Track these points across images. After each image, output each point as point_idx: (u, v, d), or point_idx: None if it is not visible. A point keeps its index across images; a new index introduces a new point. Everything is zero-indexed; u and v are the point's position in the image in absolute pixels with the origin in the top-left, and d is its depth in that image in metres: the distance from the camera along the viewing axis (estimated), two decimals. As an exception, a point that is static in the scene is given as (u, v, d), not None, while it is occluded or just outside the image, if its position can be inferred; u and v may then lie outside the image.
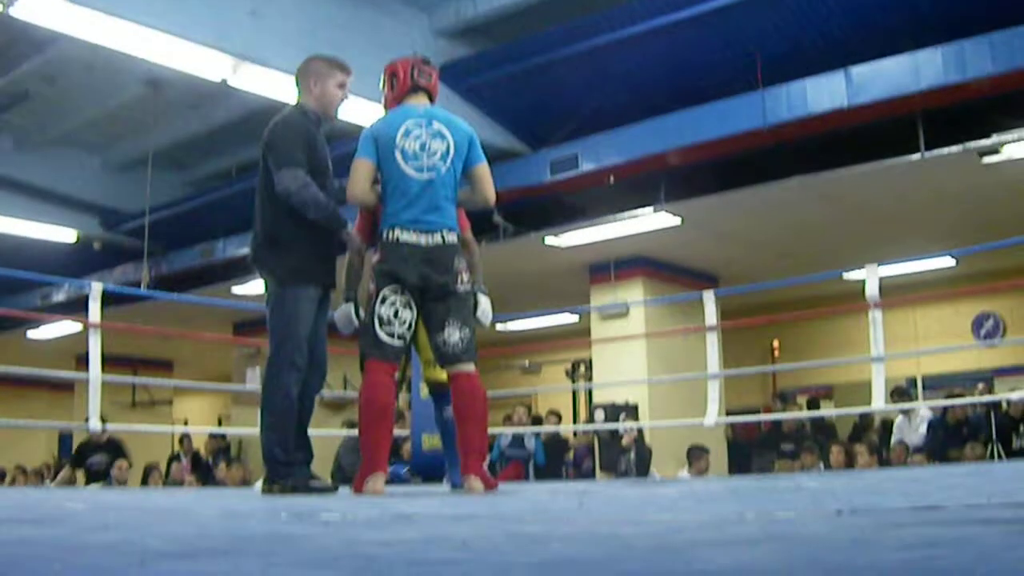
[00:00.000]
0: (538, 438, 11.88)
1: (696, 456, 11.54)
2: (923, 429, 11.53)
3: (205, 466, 15.59)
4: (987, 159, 9.89)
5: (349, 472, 9.42)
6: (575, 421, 17.11)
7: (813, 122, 9.82)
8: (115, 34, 8.40)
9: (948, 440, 11.37)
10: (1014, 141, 9.43)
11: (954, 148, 9.64)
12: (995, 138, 9.47)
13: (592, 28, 10.22)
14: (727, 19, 9.86)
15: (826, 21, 9.74)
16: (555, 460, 12.43)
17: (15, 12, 7.84)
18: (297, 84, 5.43)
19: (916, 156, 9.76)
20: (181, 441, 15.85)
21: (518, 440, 11.59)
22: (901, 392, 12.05)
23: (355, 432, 9.70)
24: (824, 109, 9.66)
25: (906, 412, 11.58)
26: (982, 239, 9.50)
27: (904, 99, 9.34)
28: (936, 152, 9.69)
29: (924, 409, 11.75)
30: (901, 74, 9.29)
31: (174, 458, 15.67)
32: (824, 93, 9.65)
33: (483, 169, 5.07)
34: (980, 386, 12.91)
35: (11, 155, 13.58)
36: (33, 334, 17.73)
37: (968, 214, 11.98)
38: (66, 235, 14.56)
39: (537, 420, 13.27)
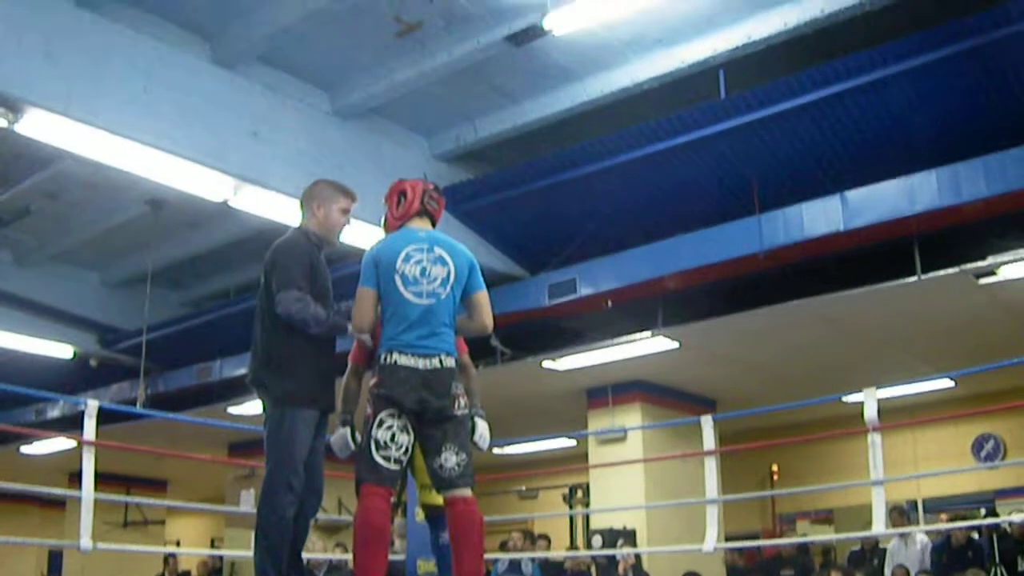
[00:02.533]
0: (535, 563, 11.73)
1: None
2: (922, 552, 11.41)
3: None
4: (983, 280, 9.93)
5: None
6: (573, 547, 16.90)
7: (810, 246, 9.87)
8: (117, 153, 8.50)
9: (951, 564, 11.22)
10: (1010, 262, 9.48)
11: (950, 270, 9.69)
12: (991, 260, 9.51)
13: (589, 154, 10.33)
14: (722, 145, 9.97)
15: (821, 146, 9.85)
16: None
17: (20, 128, 7.93)
18: (301, 206, 5.46)
19: (913, 279, 9.80)
20: (166, 561, 15.66)
21: (515, 565, 11.44)
22: (901, 511, 11.95)
23: (344, 556, 9.57)
24: (820, 233, 9.71)
25: (902, 536, 11.47)
26: (980, 360, 9.49)
27: (900, 222, 9.41)
28: (933, 275, 9.73)
29: (920, 534, 11.62)
30: (896, 197, 9.37)
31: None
32: (820, 217, 9.71)
33: (482, 296, 5.07)
34: (983, 510, 12.81)
35: (11, 270, 13.61)
36: (27, 449, 17.59)
37: (966, 335, 11.98)
38: (63, 351, 14.53)
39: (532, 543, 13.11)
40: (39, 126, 7.99)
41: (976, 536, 11.72)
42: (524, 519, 18.00)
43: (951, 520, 12.30)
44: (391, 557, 5.47)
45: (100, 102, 8.12)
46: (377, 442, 4.78)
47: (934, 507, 15.38)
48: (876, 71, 8.85)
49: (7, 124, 7.82)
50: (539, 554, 12.21)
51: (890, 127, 9.53)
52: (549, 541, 13.31)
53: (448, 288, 4.92)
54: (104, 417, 7.89)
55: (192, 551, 21.38)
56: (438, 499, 5.18)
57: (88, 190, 11.31)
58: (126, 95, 8.32)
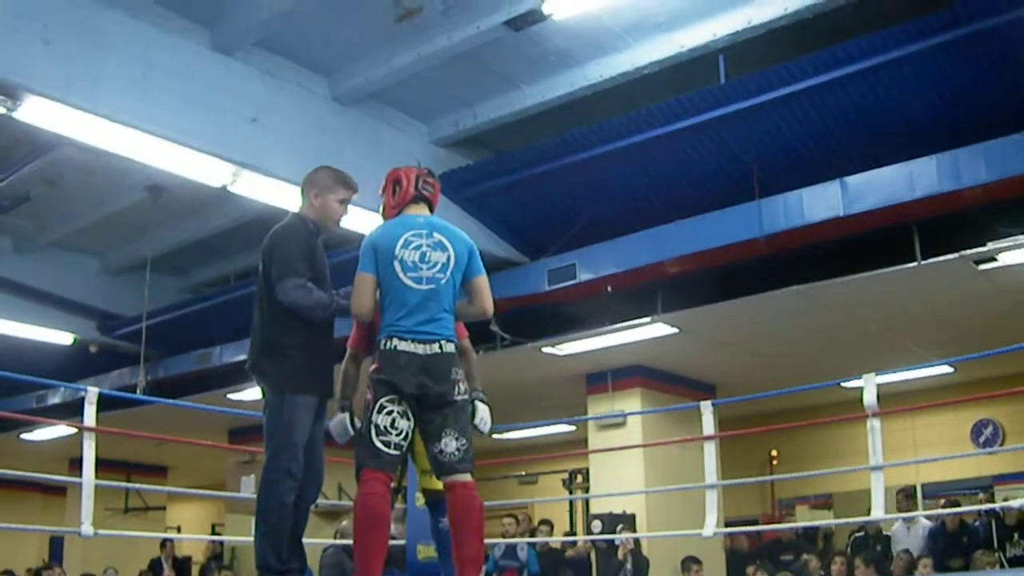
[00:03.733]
0: (531, 547, 11.74)
1: (688, 567, 11.48)
2: (924, 537, 11.44)
3: (202, 573, 15.44)
4: (983, 266, 9.93)
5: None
6: (572, 532, 16.92)
7: (810, 231, 9.87)
8: (117, 139, 8.49)
9: (948, 549, 11.25)
10: (1010, 248, 9.47)
11: (950, 256, 9.68)
12: (991, 246, 9.50)
13: (589, 139, 10.32)
14: (723, 130, 9.97)
15: (821, 131, 9.84)
16: (552, 571, 12.29)
17: (19, 115, 7.92)
18: (302, 192, 5.46)
19: (912, 265, 9.80)
20: (163, 546, 15.68)
21: (511, 550, 11.45)
22: (907, 495, 11.98)
23: (341, 543, 9.60)
24: (820, 218, 9.71)
25: (905, 520, 11.48)
26: (980, 347, 9.47)
27: (900, 208, 9.40)
28: (932, 260, 9.73)
29: (923, 518, 11.65)
30: (896, 183, 9.36)
31: (156, 564, 15.51)
32: (820, 202, 9.71)
33: (482, 281, 5.08)
34: (981, 496, 12.83)
35: (10, 257, 13.61)
36: (27, 436, 17.61)
37: (965, 322, 11.98)
38: (63, 338, 14.56)
39: (533, 531, 13.14)
40: (38, 112, 7.98)
41: (971, 521, 11.76)
42: (524, 504, 18.03)
43: (947, 505, 12.32)
44: (391, 542, 5.48)
45: (99, 88, 8.10)
46: (377, 427, 4.78)
47: (933, 492, 15.40)
48: (876, 56, 8.83)
49: (6, 111, 7.82)
50: (540, 539, 12.25)
51: (890, 112, 9.52)
52: (552, 526, 13.35)
53: (448, 273, 4.92)
54: (104, 403, 7.90)
55: (193, 537, 21.41)
56: (438, 484, 5.18)
57: (87, 176, 11.30)
58: (125, 81, 8.30)
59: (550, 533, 13.08)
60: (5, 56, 7.58)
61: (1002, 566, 11.02)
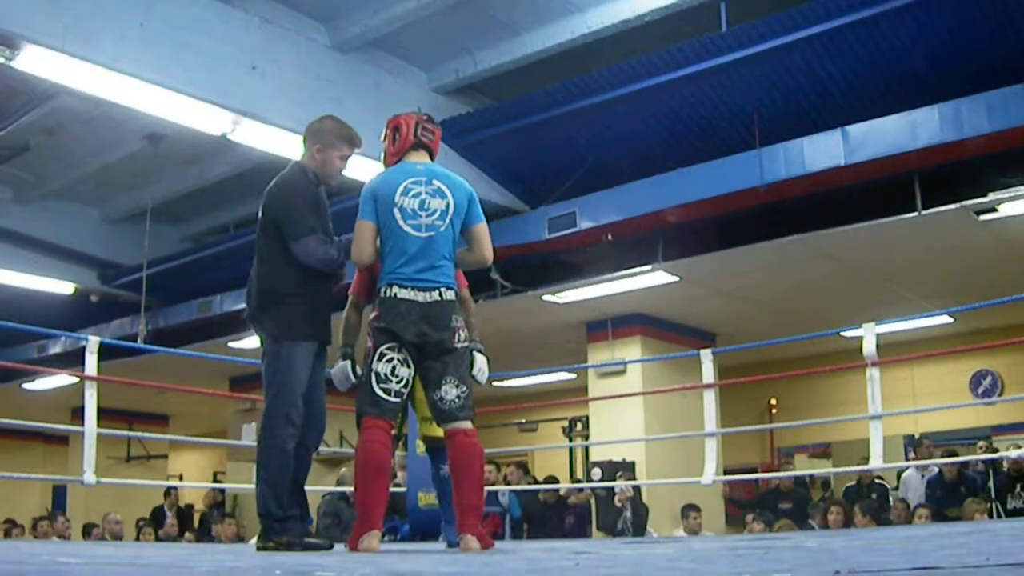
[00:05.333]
0: (512, 493, 11.82)
1: (687, 515, 11.58)
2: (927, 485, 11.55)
3: (203, 520, 15.53)
4: (984, 217, 9.92)
5: (325, 535, 9.32)
6: (572, 479, 17.02)
7: (810, 180, 9.84)
8: (116, 88, 8.44)
9: (946, 498, 11.32)
10: (1010, 199, 9.46)
11: (951, 206, 9.67)
12: (992, 196, 9.49)
13: (590, 87, 10.27)
14: (724, 78, 9.91)
15: (823, 80, 9.79)
16: (552, 517, 12.40)
17: (17, 64, 7.89)
18: (304, 141, 5.46)
19: (913, 214, 9.79)
20: (167, 494, 15.77)
21: (492, 496, 11.53)
22: (920, 444, 12.05)
23: (339, 490, 9.63)
24: (821, 167, 9.68)
25: (920, 468, 11.55)
26: (979, 297, 9.50)
27: (901, 157, 9.37)
28: (933, 210, 9.71)
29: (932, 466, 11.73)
30: (898, 133, 9.33)
31: (159, 511, 15.60)
32: (821, 151, 9.68)
33: (482, 229, 5.09)
34: (981, 444, 12.89)
35: (10, 207, 13.58)
36: (29, 386, 17.67)
37: (965, 272, 11.99)
38: (63, 287, 14.55)
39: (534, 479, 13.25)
40: (36, 62, 7.94)
41: (969, 471, 11.82)
42: (524, 451, 18.12)
43: (945, 455, 12.38)
44: (392, 489, 5.51)
45: (97, 37, 8.06)
46: (378, 375, 4.81)
47: (931, 442, 15.48)
48: (879, 5, 8.77)
49: (4, 60, 7.77)
50: (537, 487, 12.34)
51: (892, 62, 9.46)
52: (526, 470, 13.56)
53: (447, 221, 4.92)
54: (105, 353, 7.93)
55: (195, 484, 21.51)
56: (439, 432, 5.22)
57: (86, 125, 11.26)
58: (123, 30, 8.25)
59: (523, 478, 13.26)
60: (2, 5, 7.53)
61: (1000, 516, 11.09)
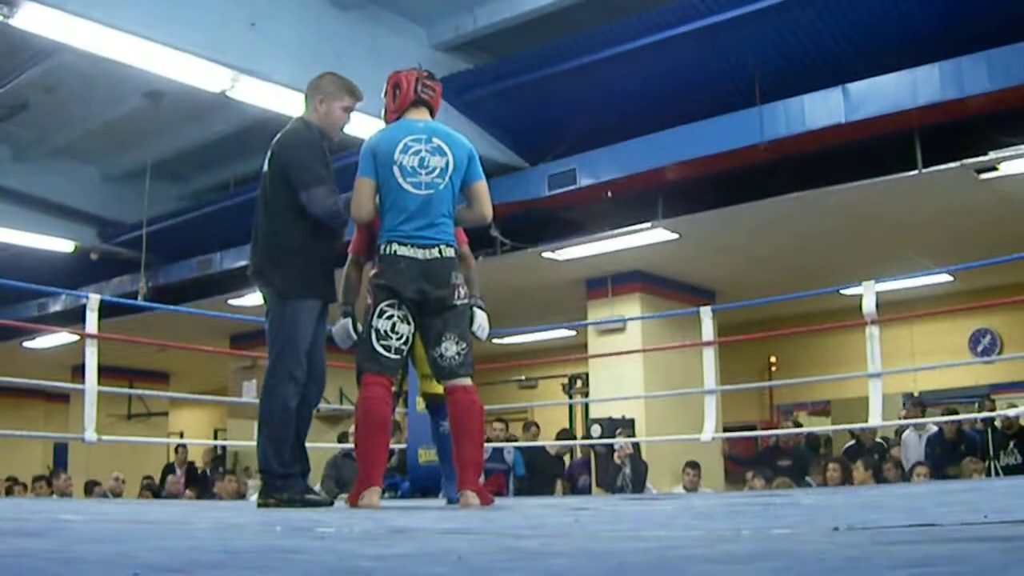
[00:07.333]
0: (517, 450, 11.86)
1: (686, 471, 11.63)
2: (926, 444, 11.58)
3: (202, 478, 15.59)
4: (984, 176, 9.90)
5: (328, 493, 9.35)
6: (572, 436, 17.08)
7: (810, 138, 9.82)
8: (115, 45, 8.40)
9: (945, 456, 11.36)
10: (1011, 158, 9.45)
11: (951, 165, 9.66)
12: (992, 155, 9.47)
13: (590, 44, 10.22)
14: (725, 35, 9.87)
15: (824, 38, 9.75)
16: (549, 474, 12.43)
17: (15, 22, 7.85)
18: (306, 97, 5.46)
19: (913, 173, 9.77)
20: (176, 451, 15.84)
21: (497, 453, 11.58)
22: (916, 402, 12.09)
23: (344, 446, 9.66)
24: (821, 125, 9.65)
25: (918, 427, 11.58)
26: (979, 256, 9.51)
27: (901, 115, 9.34)
28: (933, 169, 9.70)
29: (931, 425, 11.75)
30: (898, 91, 9.30)
31: (168, 469, 15.68)
32: (822, 109, 9.65)
33: (481, 186, 5.09)
34: (986, 402, 12.92)
35: (9, 165, 13.56)
36: (29, 344, 17.71)
37: (965, 231, 11.98)
38: (64, 246, 14.54)
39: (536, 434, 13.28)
40: (34, 19, 7.89)
41: (968, 429, 11.85)
42: (524, 408, 18.18)
43: (945, 414, 12.41)
44: (392, 445, 5.53)
45: (95, -7, 8.02)
46: (378, 332, 4.82)
47: (930, 400, 15.51)
48: (881, -40, 8.74)
49: (2, 18, 7.73)
50: (534, 443, 12.38)
51: (894, 19, 9.41)
52: (538, 428, 13.56)
53: (447, 178, 4.92)
54: (106, 310, 7.94)
55: (195, 442, 21.59)
56: (439, 388, 5.24)
57: (85, 83, 11.21)
58: (122, -14, 8.22)
59: (537, 435, 13.25)
60: (0, -38, 7.50)
61: (997, 474, 11.15)
